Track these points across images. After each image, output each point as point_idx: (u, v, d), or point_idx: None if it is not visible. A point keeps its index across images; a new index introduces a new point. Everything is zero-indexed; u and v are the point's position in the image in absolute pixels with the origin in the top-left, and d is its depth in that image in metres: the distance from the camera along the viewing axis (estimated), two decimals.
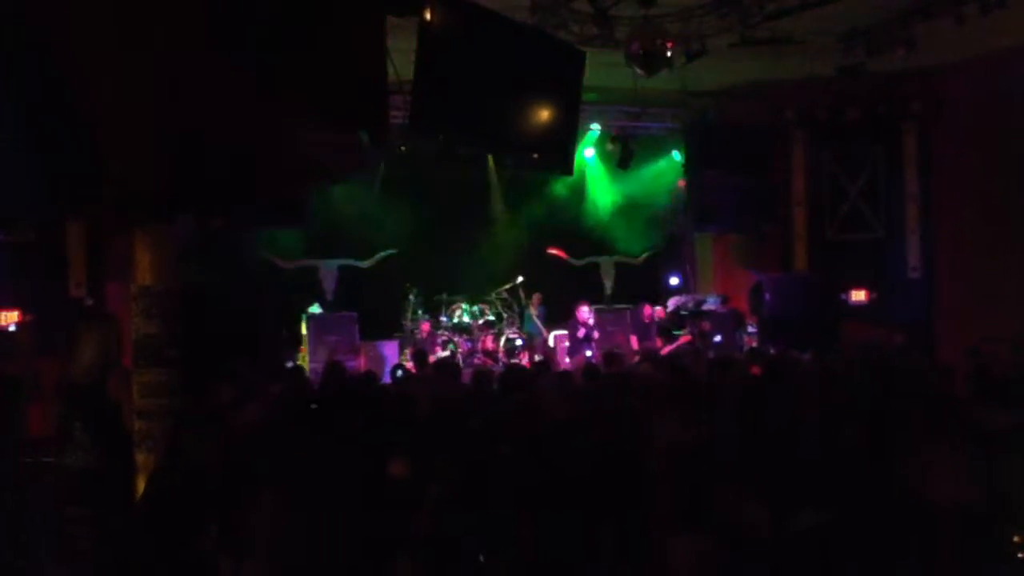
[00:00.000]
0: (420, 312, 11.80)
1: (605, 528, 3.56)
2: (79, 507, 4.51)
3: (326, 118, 3.63)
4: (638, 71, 7.74)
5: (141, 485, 4.43)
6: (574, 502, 3.78)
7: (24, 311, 8.22)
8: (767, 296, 11.50)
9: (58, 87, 3.84)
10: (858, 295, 11.49)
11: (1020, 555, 3.43)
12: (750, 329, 11.72)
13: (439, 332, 11.46)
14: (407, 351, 11.03)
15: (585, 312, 11.20)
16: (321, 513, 3.64)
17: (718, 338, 11.22)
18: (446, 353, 11.05)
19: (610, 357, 8.44)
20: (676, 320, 11.99)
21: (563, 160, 5.67)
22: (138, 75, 3.72)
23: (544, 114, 5.13)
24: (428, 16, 4.61)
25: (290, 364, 9.44)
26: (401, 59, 4.76)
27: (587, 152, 12.54)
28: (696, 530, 3.22)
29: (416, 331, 11.41)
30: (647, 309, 11.71)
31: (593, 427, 5.13)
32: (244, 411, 5.61)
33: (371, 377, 7.44)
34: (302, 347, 10.62)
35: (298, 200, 5.40)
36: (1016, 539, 3.35)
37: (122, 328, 5.22)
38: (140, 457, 4.61)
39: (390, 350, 11.39)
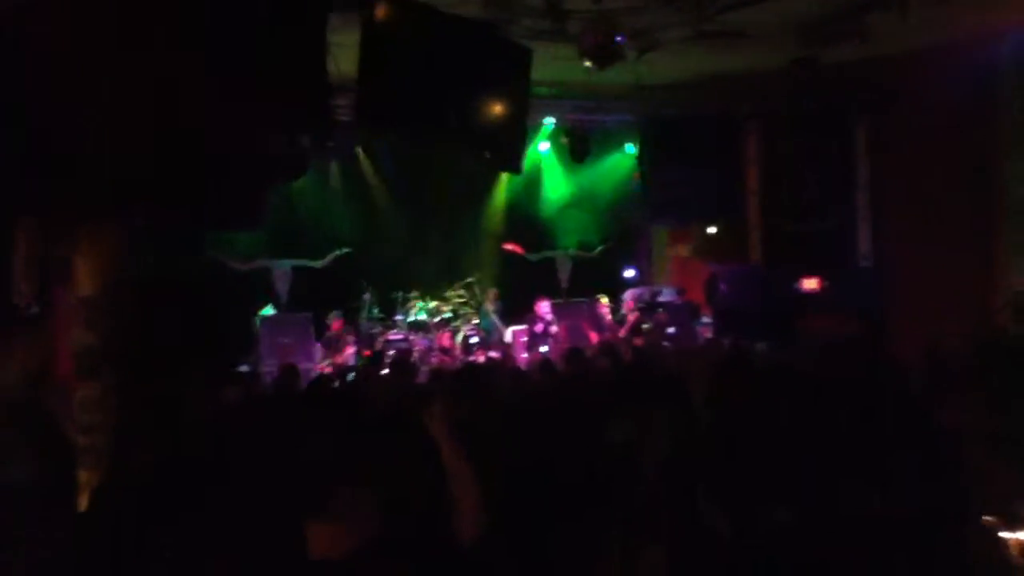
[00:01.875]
0: (375, 311, 11.68)
1: (555, 534, 3.49)
2: (18, 526, 4.33)
3: (268, 118, 3.51)
4: (591, 65, 7.68)
5: (84, 501, 4.27)
6: (528, 503, 3.71)
7: None
8: (722, 287, 11.56)
9: (9, 80, 3.68)
10: (810, 284, 11.56)
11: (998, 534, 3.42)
12: (705, 320, 11.78)
13: (347, 331, 11.17)
14: (364, 352, 10.90)
15: (544, 307, 11.17)
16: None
17: (672, 330, 11.25)
18: (351, 350, 10.91)
19: (571, 353, 8.40)
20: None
21: (512, 158, 5.59)
22: (89, 70, 3.57)
23: (493, 111, 5.06)
24: (375, 12, 4.49)
25: (244, 368, 9.26)
26: (347, 56, 4.65)
27: (542, 146, 12.50)
28: (650, 539, 3.16)
29: (327, 328, 11.09)
30: (602, 304, 11.71)
31: (549, 425, 5.08)
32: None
33: (326, 379, 7.34)
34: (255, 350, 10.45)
35: (253, 202, 5.26)
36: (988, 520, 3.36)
37: (60, 339, 5.03)
38: (83, 473, 4.44)
39: (347, 350, 11.23)
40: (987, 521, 3.50)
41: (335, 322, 11.06)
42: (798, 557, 3.30)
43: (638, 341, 11.01)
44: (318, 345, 10.86)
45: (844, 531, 3.39)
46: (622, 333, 11.19)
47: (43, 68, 3.64)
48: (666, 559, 3.10)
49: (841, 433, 4.41)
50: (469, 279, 12.23)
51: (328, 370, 10.02)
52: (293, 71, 3.62)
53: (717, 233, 12.36)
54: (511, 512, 3.59)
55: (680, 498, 3.60)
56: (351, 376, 8.72)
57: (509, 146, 5.44)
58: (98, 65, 3.52)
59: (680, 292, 12.13)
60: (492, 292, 12.21)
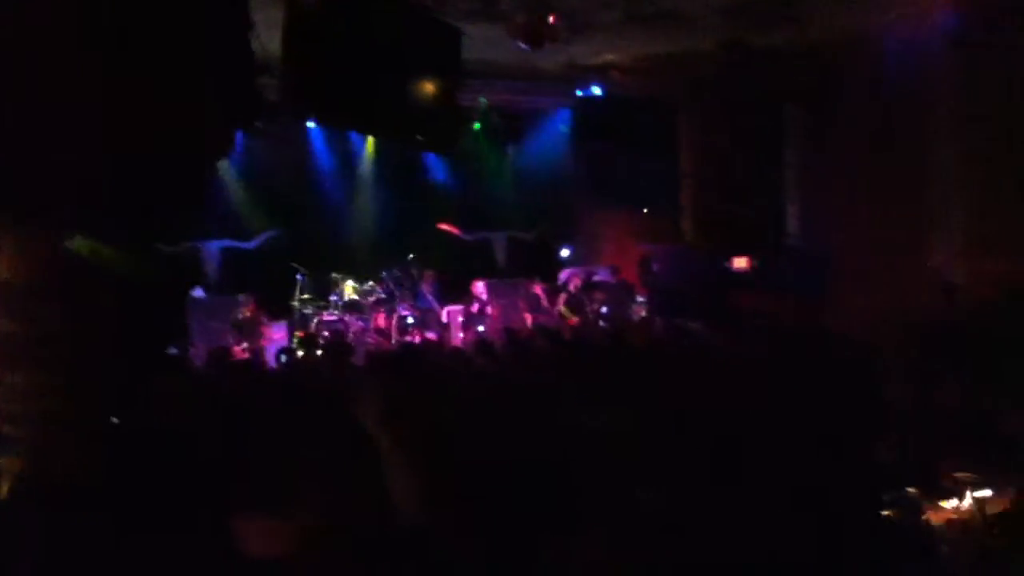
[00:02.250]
0: (308, 293, 11.54)
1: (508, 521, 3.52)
2: None
3: (187, 100, 3.43)
4: (523, 46, 7.69)
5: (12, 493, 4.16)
6: (478, 490, 3.72)
7: None
8: (655, 267, 11.72)
9: None
10: (740, 262, 11.78)
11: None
12: (639, 299, 11.93)
13: (260, 314, 10.68)
14: (298, 333, 10.77)
15: (480, 287, 11.20)
16: None
17: (605, 309, 11.37)
18: (272, 334, 10.65)
19: (510, 333, 8.45)
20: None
21: (446, 139, 5.57)
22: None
23: (425, 93, 5.02)
24: None
25: (173, 352, 9.06)
26: (272, 35, 4.54)
27: (475, 126, 12.46)
28: (589, 529, 3.21)
29: (238, 313, 10.56)
30: (537, 286, 11.77)
31: (494, 408, 5.10)
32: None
33: (255, 363, 7.23)
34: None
35: (193, 184, 5.10)
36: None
37: None
38: (5, 462, 4.32)
39: (278, 333, 11.08)
40: (911, 492, 3.65)
41: (248, 305, 10.59)
42: (736, 536, 3.37)
43: (573, 321, 11.12)
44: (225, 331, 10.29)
45: (783, 503, 3.47)
46: (556, 307, 11.24)
47: None
48: (607, 542, 3.15)
49: (780, 409, 4.52)
50: (405, 259, 12.15)
51: (244, 355, 9.59)
52: (217, 52, 3.54)
53: (651, 214, 12.50)
54: (461, 499, 3.60)
55: (621, 482, 3.65)
56: (284, 358, 8.60)
57: (443, 128, 5.41)
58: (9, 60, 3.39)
59: (615, 272, 12.25)
60: (428, 273, 12.15)
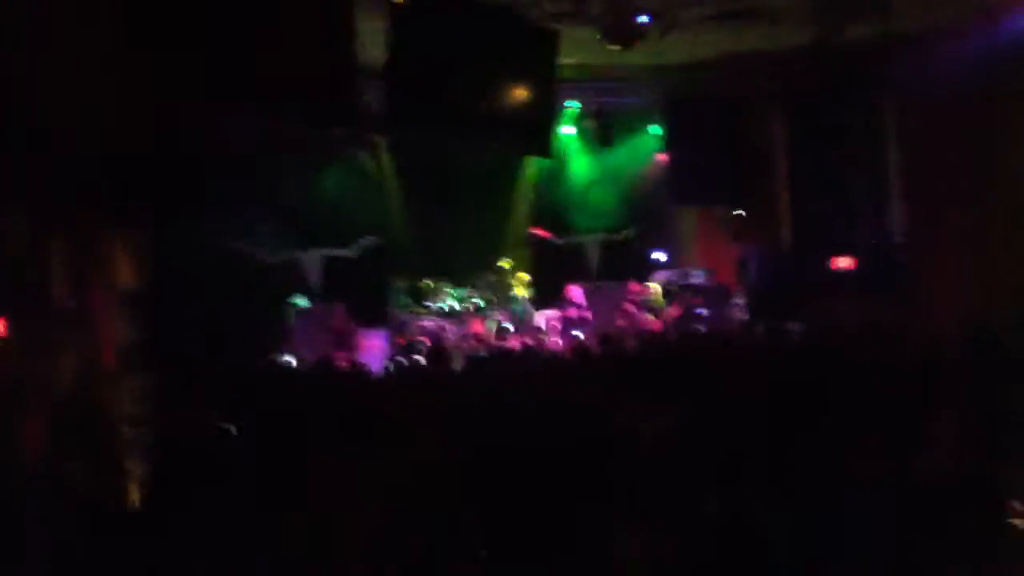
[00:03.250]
0: (406, 299, 11.74)
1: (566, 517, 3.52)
2: (69, 517, 4.45)
3: (297, 112, 3.55)
4: (612, 46, 7.67)
5: (132, 492, 4.38)
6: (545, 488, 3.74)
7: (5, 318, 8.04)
8: (752, 268, 11.51)
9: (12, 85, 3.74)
10: (842, 263, 11.46)
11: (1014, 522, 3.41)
12: (737, 302, 11.72)
13: (351, 324, 10.82)
14: (397, 340, 10.97)
15: (575, 292, 11.20)
16: None
17: (703, 311, 11.21)
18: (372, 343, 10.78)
19: (606, 338, 8.44)
20: (666, 296, 11.93)
21: (541, 142, 5.60)
22: (91, 68, 3.61)
23: (521, 97, 5.06)
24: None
25: (281, 359, 9.33)
26: (372, 43, 4.65)
27: (566, 129, 12.46)
28: (650, 526, 3.19)
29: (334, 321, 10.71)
30: (634, 286, 11.70)
31: (579, 411, 5.10)
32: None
33: (361, 371, 7.37)
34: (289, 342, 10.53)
35: (274, 187, 5.27)
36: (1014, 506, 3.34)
37: (104, 334, 5.12)
38: (129, 464, 4.55)
39: (375, 340, 11.30)
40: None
41: (340, 313, 10.72)
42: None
43: (657, 325, 11.01)
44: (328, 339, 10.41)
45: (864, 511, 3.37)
46: (660, 323, 11.11)
47: (42, 69, 3.66)
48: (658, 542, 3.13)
49: (876, 411, 4.40)
50: (499, 265, 12.23)
51: (346, 364, 9.71)
52: (322, 63, 3.66)
53: (746, 214, 12.27)
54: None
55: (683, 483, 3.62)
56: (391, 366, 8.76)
57: (538, 131, 5.45)
58: (101, 60, 3.55)
59: (710, 274, 12.08)
60: (523, 278, 12.18)
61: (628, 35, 7.40)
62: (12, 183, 4.18)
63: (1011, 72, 9.38)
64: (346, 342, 10.39)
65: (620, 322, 11.28)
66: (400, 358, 9.41)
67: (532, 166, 12.71)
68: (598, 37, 7.64)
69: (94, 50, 3.45)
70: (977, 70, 9.61)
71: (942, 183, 10.49)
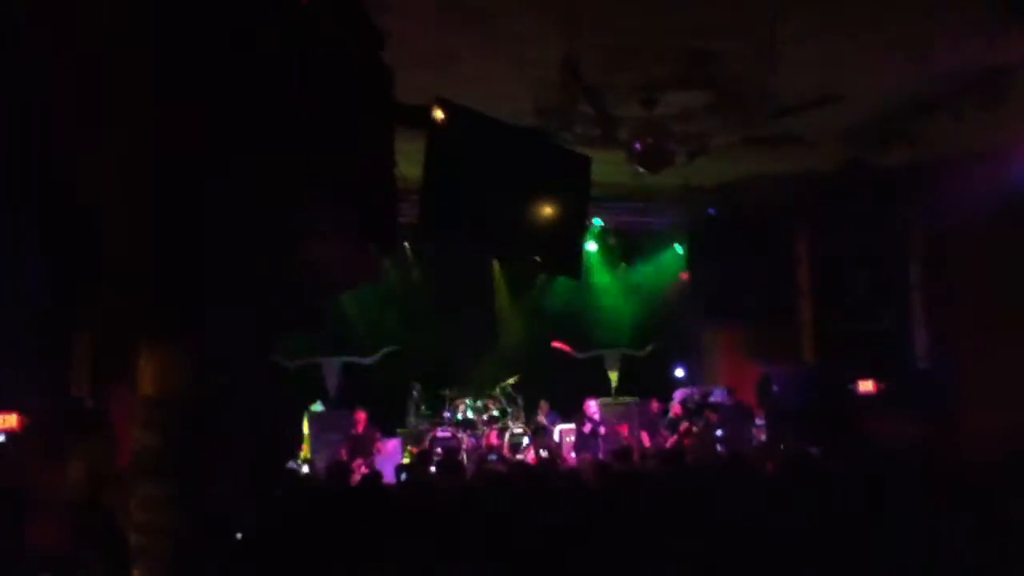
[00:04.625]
0: (424, 408, 11.69)
1: None
2: None
3: (337, 229, 3.59)
4: (640, 170, 7.80)
5: None
6: None
7: (22, 414, 8.01)
8: (775, 388, 11.37)
9: (61, 189, 3.81)
10: (866, 386, 11.29)
11: None
12: (758, 422, 11.55)
13: (372, 428, 10.64)
14: (412, 449, 10.85)
15: (592, 407, 11.10)
16: None
17: (720, 432, 11.01)
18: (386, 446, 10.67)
19: (621, 453, 8.31)
20: (687, 415, 11.76)
21: (571, 263, 5.66)
22: (142, 184, 3.68)
23: (551, 218, 5.14)
24: (437, 119, 4.64)
25: (292, 465, 9.25)
26: (404, 161, 4.79)
27: (589, 246, 12.60)
28: None
29: (350, 427, 10.56)
30: (655, 404, 11.58)
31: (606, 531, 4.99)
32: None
33: (375, 477, 7.27)
34: (303, 447, 10.46)
35: (315, 308, 5.35)
36: None
37: (120, 436, 5.09)
38: (136, 574, 4.42)
39: (393, 447, 11.19)
40: None
41: (359, 417, 10.59)
42: None
43: (687, 442, 10.82)
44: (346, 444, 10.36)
45: None
46: (672, 440, 10.94)
47: (93, 175, 3.72)
48: None
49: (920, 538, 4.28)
50: (514, 380, 12.17)
51: (362, 470, 9.58)
52: (362, 181, 3.73)
53: (768, 333, 12.20)
54: None
55: None
56: (403, 476, 8.65)
57: (568, 251, 5.51)
58: (153, 176, 3.61)
59: (731, 392, 11.94)
60: (544, 404, 12.00)
61: (657, 161, 7.53)
62: (43, 279, 4.22)
63: None
64: (365, 448, 10.26)
65: (635, 438, 11.13)
66: (410, 468, 9.32)
67: (555, 280, 12.80)
68: (625, 160, 7.78)
69: (146, 155, 3.52)
70: (1006, 194, 9.69)
71: (972, 308, 10.43)
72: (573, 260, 5.70)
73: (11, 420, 7.82)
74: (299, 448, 10.44)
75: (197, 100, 3.31)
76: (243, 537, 5.31)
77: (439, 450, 10.59)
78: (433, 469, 8.89)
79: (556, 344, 13.01)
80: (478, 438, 11.50)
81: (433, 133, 4.51)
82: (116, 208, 3.75)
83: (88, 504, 4.49)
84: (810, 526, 4.92)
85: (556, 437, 11.75)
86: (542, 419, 11.77)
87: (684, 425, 11.09)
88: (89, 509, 4.49)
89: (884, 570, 4.29)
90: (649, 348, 13.48)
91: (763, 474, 6.87)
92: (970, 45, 6.88)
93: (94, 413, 8.15)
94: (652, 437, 11.18)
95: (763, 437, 11.05)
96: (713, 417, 11.28)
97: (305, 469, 9.88)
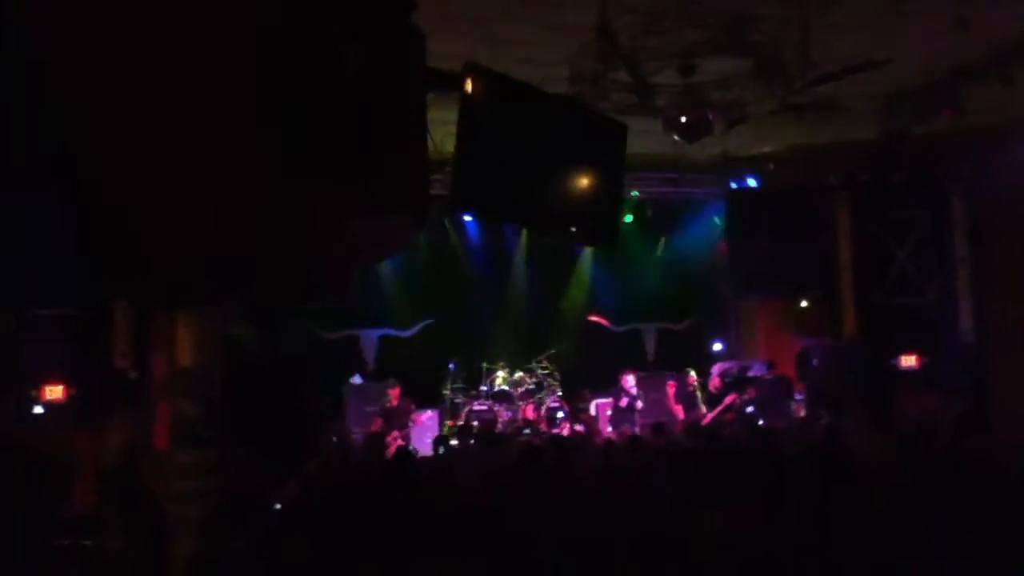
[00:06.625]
0: (459, 382, 11.72)
1: None
2: None
3: (370, 200, 3.56)
4: (678, 139, 7.69)
5: (176, 572, 4.31)
6: None
7: (68, 384, 8.17)
8: (815, 363, 11.21)
9: (98, 166, 3.82)
10: (908, 360, 11.08)
11: None
12: (797, 397, 11.41)
13: (406, 400, 10.65)
14: (448, 422, 10.92)
15: (630, 381, 11.03)
16: None
17: (750, 409, 10.88)
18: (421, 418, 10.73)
19: (658, 429, 8.28)
20: (727, 389, 11.64)
21: (608, 234, 5.58)
22: (179, 157, 3.68)
23: (586, 187, 5.05)
24: (468, 89, 4.58)
25: (334, 438, 9.30)
26: (438, 132, 4.74)
27: (626, 218, 12.47)
28: None
29: (385, 400, 10.61)
30: (691, 378, 11.48)
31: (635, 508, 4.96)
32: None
33: (408, 453, 7.35)
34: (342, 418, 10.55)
35: (343, 277, 5.35)
36: None
37: (159, 406, 5.15)
38: (175, 542, 4.49)
39: (430, 420, 11.25)
40: None
41: (394, 392, 10.62)
42: None
43: (729, 416, 10.74)
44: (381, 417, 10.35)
45: None
46: (712, 415, 10.84)
47: (129, 153, 3.72)
48: None
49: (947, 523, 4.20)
50: (552, 351, 12.17)
51: (397, 442, 9.47)
52: (394, 150, 3.69)
53: (808, 307, 12.01)
54: None
55: None
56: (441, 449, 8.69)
57: (605, 220, 5.42)
58: (188, 149, 3.60)
59: (771, 367, 11.80)
60: (585, 393, 11.98)
61: (695, 130, 7.41)
62: (90, 254, 4.23)
63: None
64: (400, 420, 10.31)
65: (679, 410, 11.08)
66: (447, 440, 9.37)
67: (591, 253, 12.73)
68: (662, 129, 7.68)
69: (183, 132, 3.51)
70: None
71: (1017, 282, 10.20)
72: (611, 230, 5.60)
73: (57, 391, 8.03)
74: (337, 419, 10.52)
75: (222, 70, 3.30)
76: (281, 508, 5.37)
77: (475, 423, 10.63)
78: (472, 442, 8.95)
79: (593, 317, 12.95)
80: (514, 411, 11.51)
81: (465, 100, 4.44)
82: (151, 181, 3.76)
83: (120, 473, 4.54)
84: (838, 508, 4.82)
85: (592, 411, 11.72)
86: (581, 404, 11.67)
87: (729, 397, 10.98)
88: (121, 478, 4.55)
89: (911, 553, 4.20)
90: (687, 321, 13.36)
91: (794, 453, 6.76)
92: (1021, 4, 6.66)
93: (134, 384, 8.32)
94: (688, 411, 11.09)
95: (802, 412, 10.91)
96: (751, 391, 11.17)
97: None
